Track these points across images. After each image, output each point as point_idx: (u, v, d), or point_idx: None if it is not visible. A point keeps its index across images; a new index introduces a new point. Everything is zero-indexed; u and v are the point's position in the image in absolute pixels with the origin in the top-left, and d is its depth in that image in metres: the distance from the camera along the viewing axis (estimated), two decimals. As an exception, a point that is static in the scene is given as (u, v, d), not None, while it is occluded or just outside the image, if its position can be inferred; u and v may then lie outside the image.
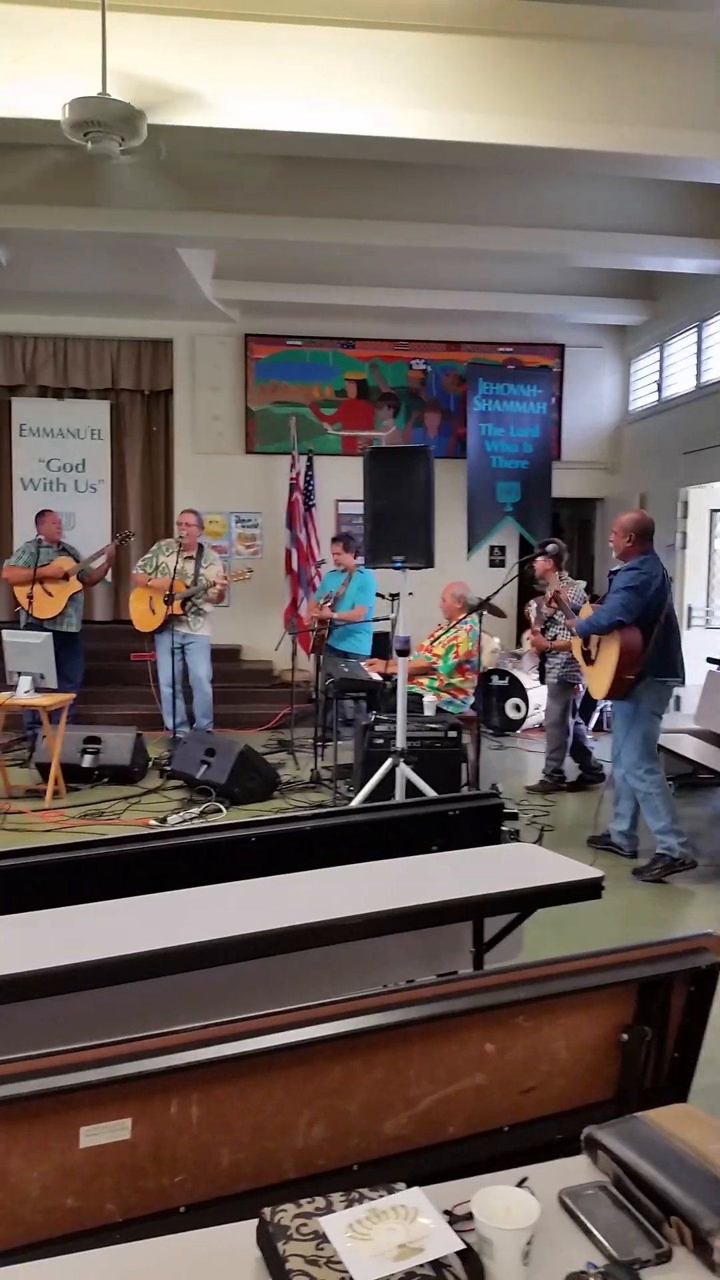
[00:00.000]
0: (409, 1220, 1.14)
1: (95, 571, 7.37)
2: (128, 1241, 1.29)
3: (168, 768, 6.40)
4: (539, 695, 7.85)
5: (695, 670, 5.91)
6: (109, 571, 7.70)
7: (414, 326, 9.34)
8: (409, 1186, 1.23)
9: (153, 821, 5.41)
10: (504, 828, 5.12)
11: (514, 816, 5.64)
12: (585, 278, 8.67)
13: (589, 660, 4.94)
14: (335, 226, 7.09)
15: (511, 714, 8.33)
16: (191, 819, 5.43)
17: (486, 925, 2.74)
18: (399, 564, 4.77)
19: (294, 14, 4.98)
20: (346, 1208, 1.18)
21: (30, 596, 7.06)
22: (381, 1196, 1.20)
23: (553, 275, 8.58)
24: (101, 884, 2.42)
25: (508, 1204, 1.17)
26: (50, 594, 7.07)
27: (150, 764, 6.67)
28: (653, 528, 4.86)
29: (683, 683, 4.91)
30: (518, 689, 8.28)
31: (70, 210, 6.48)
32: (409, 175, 6.76)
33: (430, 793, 4.60)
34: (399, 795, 4.84)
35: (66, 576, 7.14)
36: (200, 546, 7.17)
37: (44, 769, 6.11)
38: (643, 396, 9.45)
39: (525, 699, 8.23)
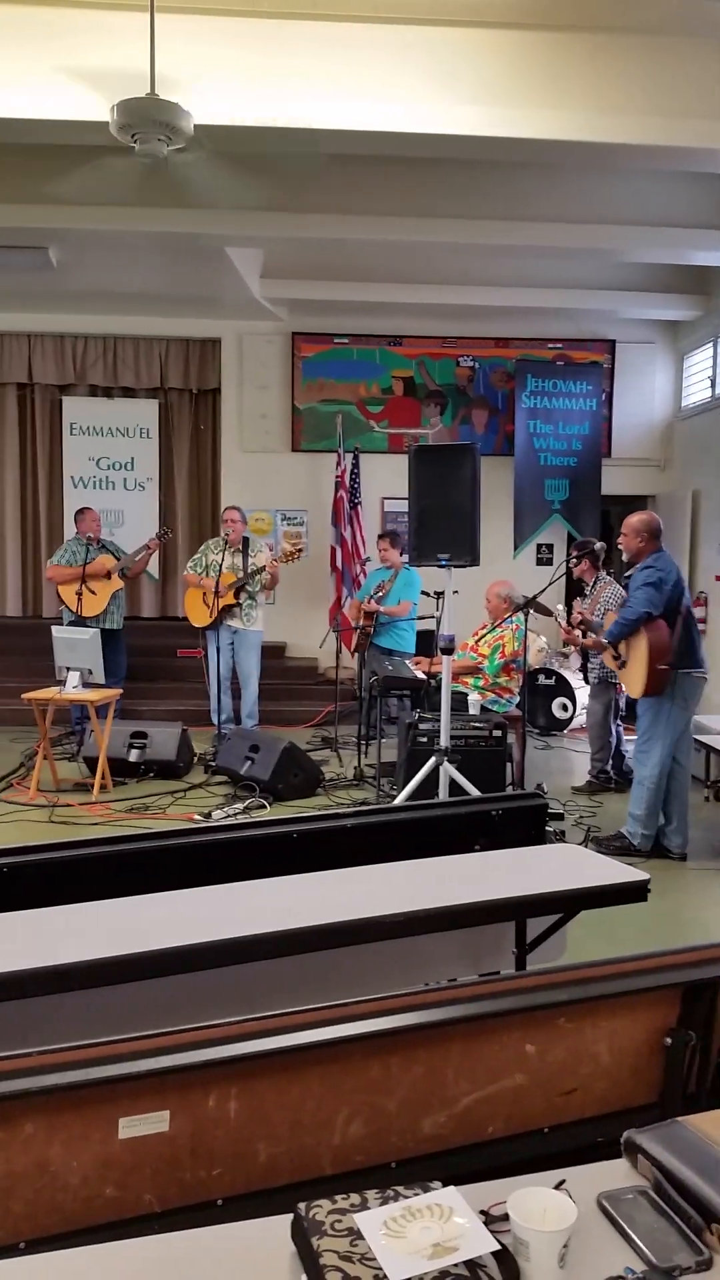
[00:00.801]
0: (444, 1219, 1.14)
1: (136, 565, 7.48)
2: (166, 1232, 1.31)
3: (212, 763, 6.45)
4: (586, 695, 7.78)
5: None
6: (148, 563, 7.79)
7: (462, 323, 9.29)
8: (445, 1185, 1.22)
9: (196, 817, 5.45)
10: (549, 828, 5.10)
11: (560, 817, 5.59)
12: (636, 273, 8.55)
13: (621, 664, 4.94)
14: (383, 224, 7.07)
15: (558, 713, 8.26)
16: (235, 815, 5.46)
17: (530, 926, 2.73)
18: (444, 562, 4.75)
19: (338, 12, 4.98)
20: (381, 1205, 1.17)
21: (79, 595, 7.16)
22: (417, 1195, 1.19)
23: (603, 270, 8.48)
24: (143, 878, 2.44)
25: (545, 1206, 1.16)
26: (94, 592, 7.18)
27: (196, 759, 6.72)
28: (661, 527, 5.00)
29: (706, 676, 4.98)
30: (565, 688, 8.22)
31: (118, 210, 6.53)
32: (456, 171, 6.72)
33: (474, 792, 4.58)
34: (443, 794, 4.83)
35: (109, 575, 7.24)
36: (246, 539, 7.22)
37: (91, 763, 6.18)
38: (696, 392, 9.30)
39: (572, 698, 8.16)
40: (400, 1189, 1.21)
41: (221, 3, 4.89)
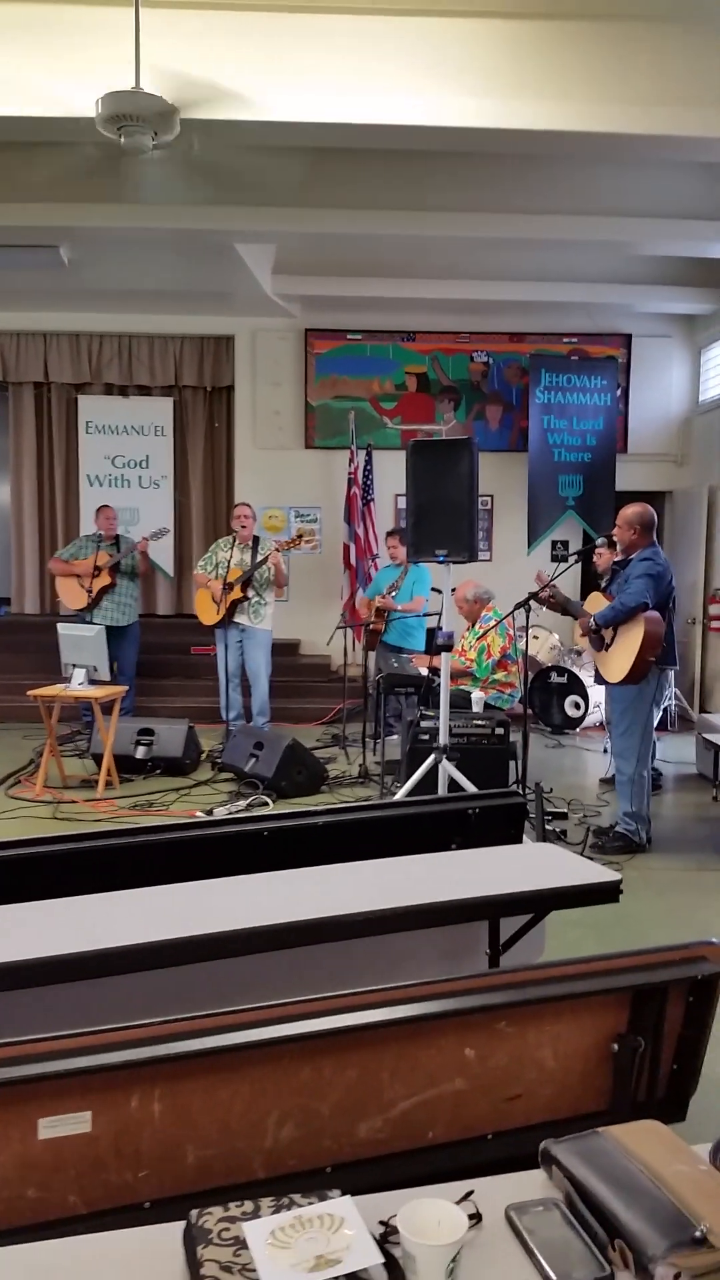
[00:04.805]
0: (333, 1230, 1.11)
1: (137, 565, 7.53)
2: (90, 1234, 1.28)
3: (219, 760, 6.45)
4: (598, 693, 7.71)
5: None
6: (148, 563, 7.85)
7: (476, 318, 9.22)
8: (344, 1194, 1.19)
9: (199, 813, 5.45)
10: (549, 826, 5.05)
11: (563, 816, 5.54)
12: (652, 266, 8.44)
13: (602, 646, 4.95)
14: (393, 219, 7.03)
15: (571, 711, 8.18)
16: (237, 811, 5.46)
17: (508, 926, 2.69)
18: (441, 558, 4.71)
19: (339, 4, 4.94)
20: (274, 1213, 1.15)
21: (88, 590, 7.23)
22: (311, 1204, 1.16)
23: (618, 264, 8.37)
24: (107, 875, 2.43)
25: (439, 1218, 1.13)
26: (84, 587, 7.27)
27: (204, 756, 6.73)
28: (654, 520, 5.05)
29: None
30: (577, 686, 8.13)
31: (126, 208, 6.55)
32: (467, 165, 6.65)
33: (471, 789, 4.54)
34: (441, 792, 4.78)
35: (98, 571, 7.29)
36: (256, 538, 7.21)
37: (99, 760, 6.20)
38: (714, 386, 9.17)
39: (585, 696, 8.08)
40: (297, 1197, 1.18)
41: (219, -3, 4.88)
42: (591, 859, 4.61)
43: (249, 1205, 1.16)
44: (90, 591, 7.25)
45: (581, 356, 9.29)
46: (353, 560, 8.77)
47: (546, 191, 6.97)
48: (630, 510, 4.99)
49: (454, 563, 4.73)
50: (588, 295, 8.73)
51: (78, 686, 6.03)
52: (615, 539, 5.04)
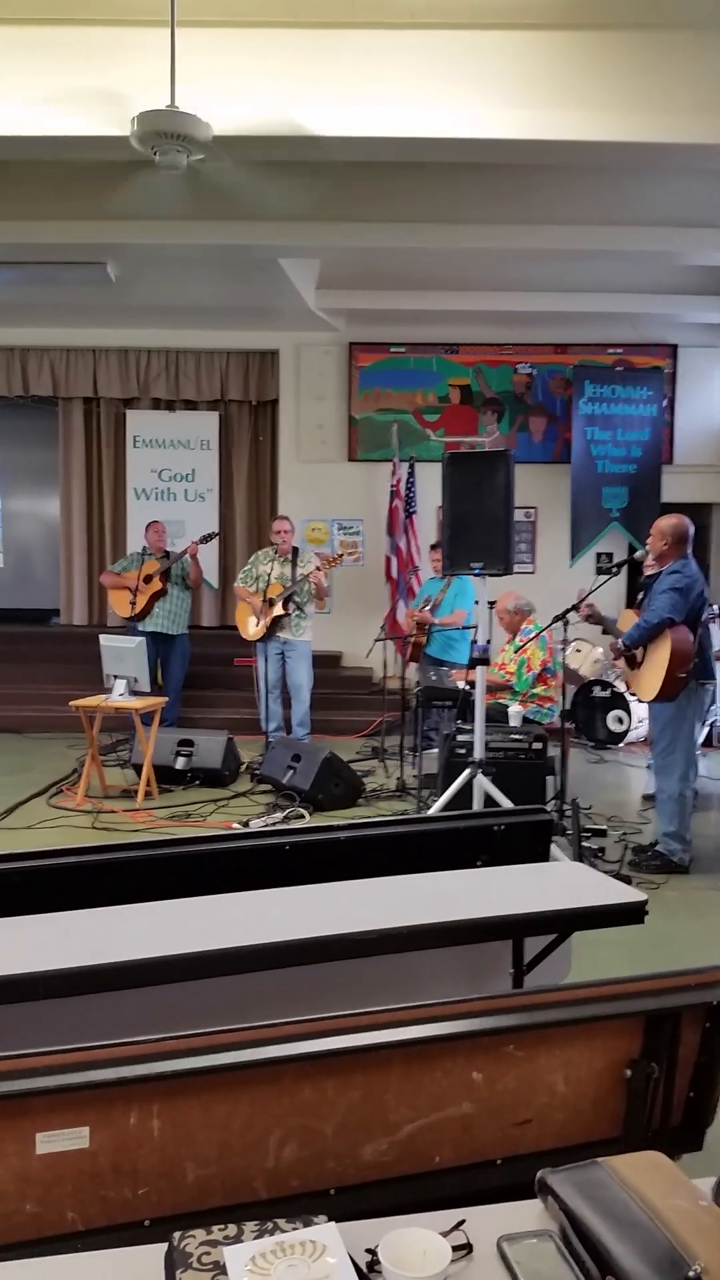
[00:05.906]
0: (314, 1257, 1.09)
1: (190, 572, 7.58)
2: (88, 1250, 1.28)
3: (258, 772, 6.46)
4: (642, 708, 7.59)
5: None
6: (199, 570, 7.92)
7: (519, 330, 9.19)
8: (329, 1220, 1.17)
9: (235, 825, 5.46)
10: (587, 844, 4.97)
11: (602, 833, 5.45)
12: (697, 276, 8.33)
13: (634, 664, 4.88)
14: (437, 232, 7.02)
15: (614, 726, 8.07)
16: (274, 824, 5.46)
17: (533, 946, 2.64)
18: (477, 571, 4.68)
19: (378, 20, 4.96)
20: (256, 1238, 1.13)
21: (133, 602, 7.33)
22: (295, 1229, 1.14)
23: (663, 274, 8.29)
24: (131, 887, 2.43)
25: (425, 1248, 1.11)
26: (130, 601, 7.37)
27: (243, 768, 6.75)
28: (690, 533, 4.93)
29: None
30: (620, 701, 8.02)
31: (171, 224, 6.63)
32: (509, 177, 6.61)
33: (507, 805, 4.49)
34: (477, 807, 4.74)
35: (149, 578, 7.36)
36: (295, 549, 7.24)
37: (139, 770, 6.24)
38: (762, 397, 9.05)
39: (628, 710, 7.97)
40: (281, 1222, 1.16)
41: (260, 15, 4.92)
42: (629, 878, 4.56)
43: (232, 1229, 1.14)
44: (135, 604, 7.34)
45: (626, 367, 9.20)
46: (394, 573, 8.76)
47: (589, 202, 6.92)
48: (665, 521, 4.93)
49: (490, 575, 4.70)
50: (632, 306, 8.65)
51: (118, 697, 6.08)
52: (647, 548, 4.98)
